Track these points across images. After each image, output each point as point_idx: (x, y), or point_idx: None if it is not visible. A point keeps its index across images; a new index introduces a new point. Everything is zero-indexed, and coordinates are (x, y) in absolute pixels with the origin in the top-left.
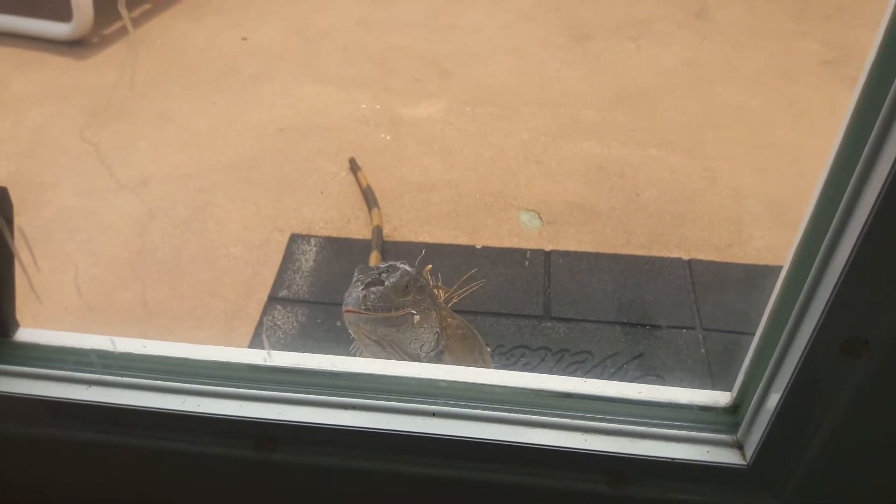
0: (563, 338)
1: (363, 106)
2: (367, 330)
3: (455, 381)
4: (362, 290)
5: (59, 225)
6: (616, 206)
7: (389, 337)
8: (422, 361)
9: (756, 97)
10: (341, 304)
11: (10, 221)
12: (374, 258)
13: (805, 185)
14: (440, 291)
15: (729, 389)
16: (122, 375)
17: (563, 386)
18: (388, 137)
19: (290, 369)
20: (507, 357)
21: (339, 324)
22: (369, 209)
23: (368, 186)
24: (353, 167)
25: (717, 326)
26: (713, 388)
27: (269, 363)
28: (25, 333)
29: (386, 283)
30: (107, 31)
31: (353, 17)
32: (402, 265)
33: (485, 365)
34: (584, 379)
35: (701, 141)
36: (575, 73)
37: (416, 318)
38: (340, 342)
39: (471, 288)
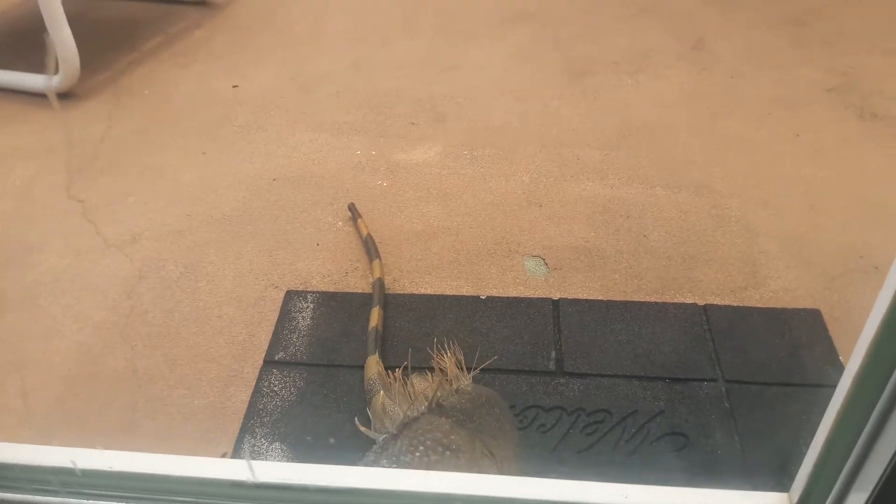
0: (579, 395)
1: (358, 152)
2: None
3: (475, 496)
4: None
5: (44, 287)
6: (624, 249)
7: None
8: None
9: (761, 129)
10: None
11: None
12: (375, 315)
13: (819, 220)
14: (453, 366)
15: (757, 452)
16: (87, 498)
17: (605, 498)
18: (385, 184)
19: (278, 486)
20: (520, 419)
21: (333, 395)
22: (370, 260)
23: (369, 235)
24: (353, 214)
25: (740, 377)
26: (741, 448)
27: (253, 479)
28: None
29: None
30: (93, 83)
31: (346, 60)
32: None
33: (495, 464)
34: (626, 495)
35: (708, 177)
36: (574, 111)
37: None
38: (341, 411)
39: (483, 365)
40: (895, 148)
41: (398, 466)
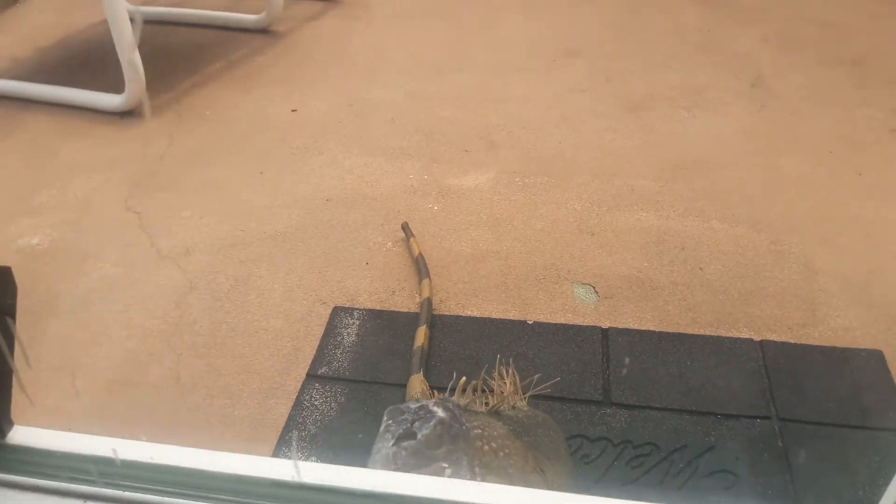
0: (625, 427)
1: (411, 176)
2: None
3: None
4: (392, 445)
5: (97, 295)
6: (678, 280)
7: None
8: None
9: (822, 167)
10: (370, 456)
11: (11, 304)
12: (421, 333)
13: (882, 261)
14: (509, 384)
15: (810, 494)
16: (123, 489)
17: None
18: (436, 208)
19: (323, 488)
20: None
21: (373, 412)
22: (419, 279)
23: (420, 255)
24: (406, 232)
25: (795, 416)
26: (794, 490)
27: (297, 479)
28: (19, 434)
29: (418, 435)
30: (157, 102)
31: (402, 90)
32: (436, 408)
33: (545, 482)
34: None
35: (766, 213)
36: (628, 142)
37: (448, 471)
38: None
39: (541, 388)
40: None
41: (448, 448)
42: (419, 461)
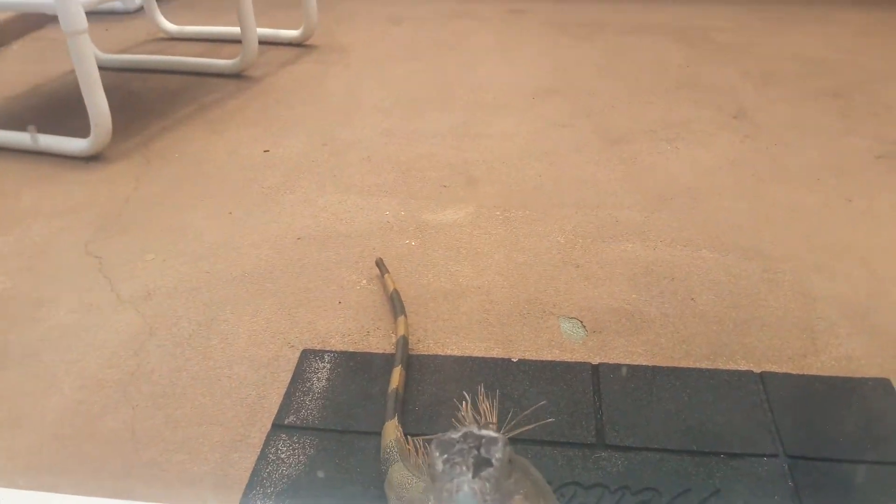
0: (622, 471)
1: (387, 213)
2: None
3: None
4: (472, 477)
5: (49, 344)
6: (669, 312)
7: None
8: None
9: (811, 195)
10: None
11: None
12: (396, 374)
13: (881, 287)
14: (493, 415)
15: None
16: None
17: None
18: (413, 243)
19: None
20: (557, 497)
21: (346, 464)
22: (395, 317)
23: (395, 291)
24: (381, 269)
25: (804, 453)
26: None
27: None
28: None
29: (493, 461)
30: (124, 147)
31: (378, 129)
32: (487, 430)
33: None
34: None
35: (757, 241)
36: (611, 174)
37: None
38: (354, 482)
39: (527, 428)
40: None
41: (515, 478)
42: (502, 492)
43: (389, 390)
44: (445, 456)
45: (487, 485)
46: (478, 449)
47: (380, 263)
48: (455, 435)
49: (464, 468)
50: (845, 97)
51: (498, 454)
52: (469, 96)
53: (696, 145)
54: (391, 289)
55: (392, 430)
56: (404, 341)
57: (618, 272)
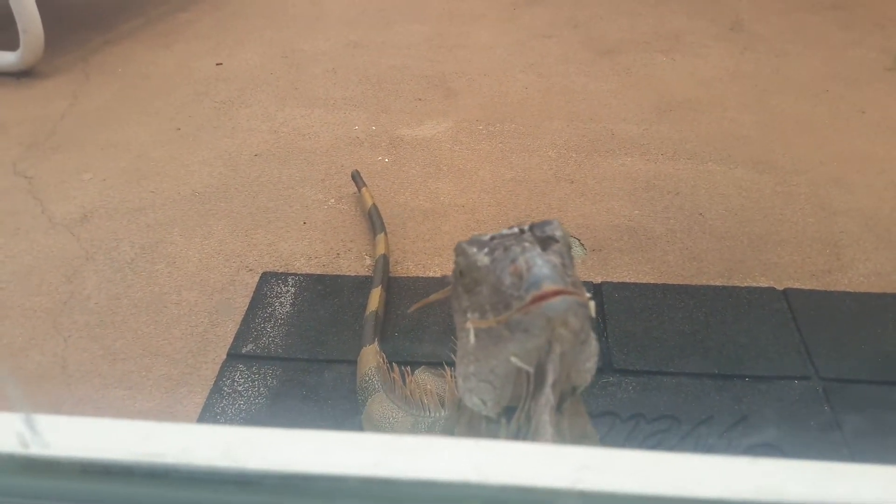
0: (635, 398)
1: (356, 127)
2: (569, 335)
3: None
4: (540, 250)
5: None
6: (676, 228)
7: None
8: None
9: (819, 106)
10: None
11: None
12: (375, 296)
13: None
14: None
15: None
16: None
17: None
18: (387, 160)
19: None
20: None
21: (314, 395)
22: (374, 234)
23: (374, 206)
24: (357, 182)
25: (840, 375)
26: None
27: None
28: None
29: (556, 237)
30: (61, 61)
31: (344, 40)
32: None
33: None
34: None
35: (767, 154)
36: (604, 86)
37: (592, 304)
38: (324, 416)
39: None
40: None
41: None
42: (574, 278)
43: (367, 313)
44: (487, 249)
45: (563, 261)
46: (531, 231)
47: (356, 176)
48: (484, 237)
49: (526, 245)
50: (846, 9)
51: (558, 231)
52: (443, 5)
53: (693, 56)
54: (369, 204)
55: (372, 355)
56: (384, 261)
57: (617, 187)
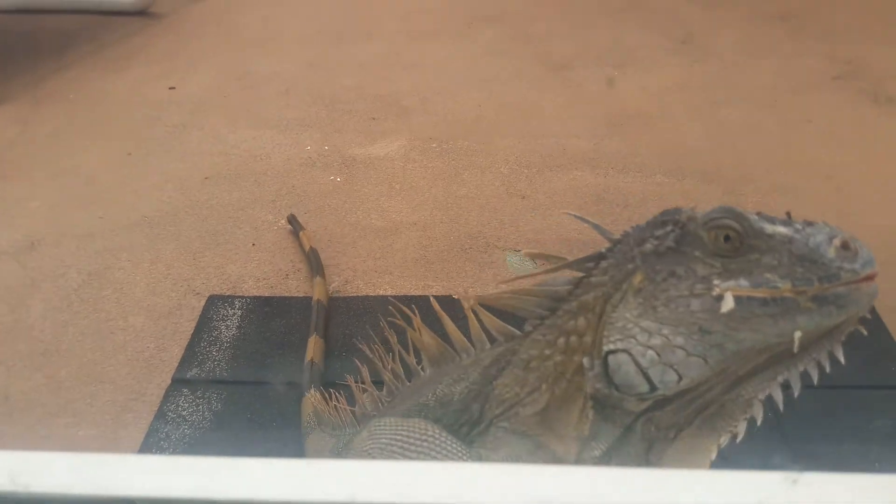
0: None
1: (308, 147)
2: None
3: None
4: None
5: None
6: None
7: None
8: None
9: (768, 116)
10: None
11: None
12: (311, 346)
13: (851, 204)
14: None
15: None
16: None
17: None
18: (339, 179)
19: None
20: None
21: (259, 418)
22: (311, 277)
23: (313, 249)
24: (294, 226)
25: None
26: None
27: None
28: None
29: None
30: (8, 88)
31: (298, 60)
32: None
33: None
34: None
35: (715, 164)
36: (556, 102)
37: None
38: (269, 438)
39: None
40: None
41: None
42: None
43: (305, 362)
44: (767, 220)
45: None
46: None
47: (292, 220)
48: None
49: (819, 227)
50: (793, 20)
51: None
52: (399, 25)
53: (644, 71)
54: (307, 247)
55: (309, 404)
56: (321, 308)
57: (567, 201)
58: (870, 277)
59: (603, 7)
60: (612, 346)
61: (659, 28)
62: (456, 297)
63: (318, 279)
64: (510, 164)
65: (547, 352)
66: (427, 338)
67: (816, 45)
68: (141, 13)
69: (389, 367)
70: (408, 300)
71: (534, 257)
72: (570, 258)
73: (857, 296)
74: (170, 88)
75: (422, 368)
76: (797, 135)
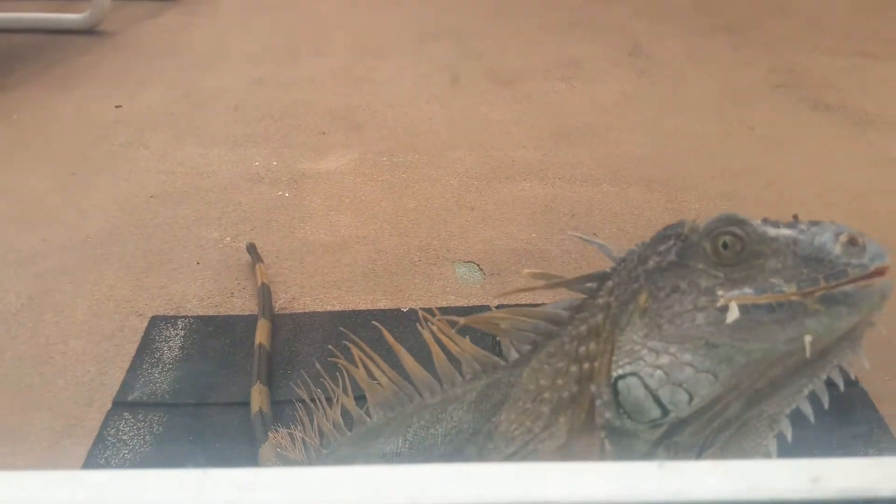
0: None
1: (256, 164)
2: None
3: None
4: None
5: None
6: (571, 249)
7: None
8: None
9: (712, 125)
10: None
11: None
12: (256, 395)
13: (792, 209)
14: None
15: None
16: None
17: None
18: (287, 195)
19: None
20: None
21: (200, 440)
22: (259, 315)
23: (264, 285)
24: (253, 255)
25: None
26: None
27: None
28: None
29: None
30: None
31: (247, 77)
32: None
33: None
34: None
35: (659, 172)
36: (505, 115)
37: None
38: (212, 461)
39: None
40: (856, 136)
41: None
42: None
43: (252, 413)
44: (769, 224)
45: None
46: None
47: (251, 250)
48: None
49: (825, 224)
50: (737, 31)
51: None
52: (350, 41)
53: (592, 82)
54: (260, 282)
55: (267, 453)
56: (263, 353)
57: (515, 212)
58: (880, 272)
59: (552, 22)
60: (620, 371)
61: (607, 41)
62: (404, 310)
63: (262, 322)
64: (460, 177)
65: (559, 381)
66: (379, 376)
67: (759, 55)
68: (89, 32)
69: (330, 418)
70: (356, 315)
71: (535, 277)
72: (507, 271)
73: (867, 292)
74: (116, 107)
75: (366, 413)
76: (740, 142)
